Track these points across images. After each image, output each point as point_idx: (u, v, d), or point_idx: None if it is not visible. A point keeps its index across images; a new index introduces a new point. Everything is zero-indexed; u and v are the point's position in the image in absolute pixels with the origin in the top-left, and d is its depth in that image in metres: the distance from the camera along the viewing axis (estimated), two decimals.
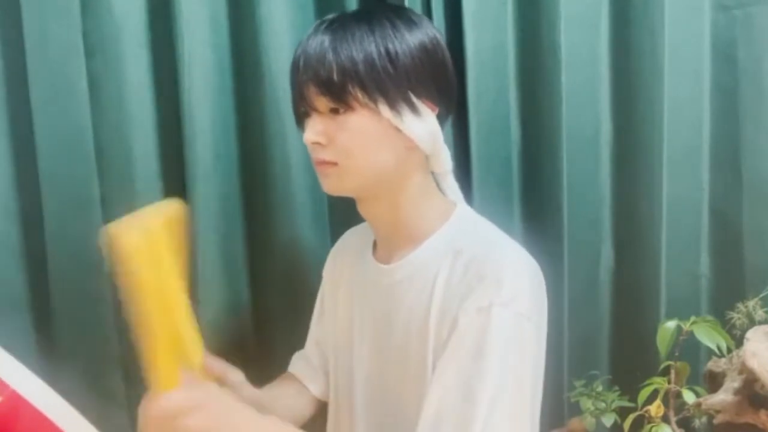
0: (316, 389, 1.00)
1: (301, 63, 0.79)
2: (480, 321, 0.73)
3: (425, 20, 0.83)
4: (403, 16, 0.81)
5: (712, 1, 1.14)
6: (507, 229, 0.86)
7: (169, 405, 0.64)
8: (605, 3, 1.14)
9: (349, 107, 0.78)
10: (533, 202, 1.18)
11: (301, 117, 0.84)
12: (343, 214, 1.13)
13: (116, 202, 1.07)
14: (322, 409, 1.01)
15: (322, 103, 0.79)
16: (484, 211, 0.91)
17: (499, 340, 0.73)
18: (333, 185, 0.82)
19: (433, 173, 0.88)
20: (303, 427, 0.97)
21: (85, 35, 1.02)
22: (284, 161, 1.10)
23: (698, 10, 1.14)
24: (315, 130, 0.80)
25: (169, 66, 1.06)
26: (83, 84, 1.02)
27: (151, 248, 0.64)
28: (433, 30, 0.83)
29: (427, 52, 0.80)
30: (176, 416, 0.64)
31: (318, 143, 0.80)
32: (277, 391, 0.98)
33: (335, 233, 1.09)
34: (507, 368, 0.73)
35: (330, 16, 0.82)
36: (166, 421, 0.64)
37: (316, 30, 0.80)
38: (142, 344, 0.65)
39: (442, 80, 0.83)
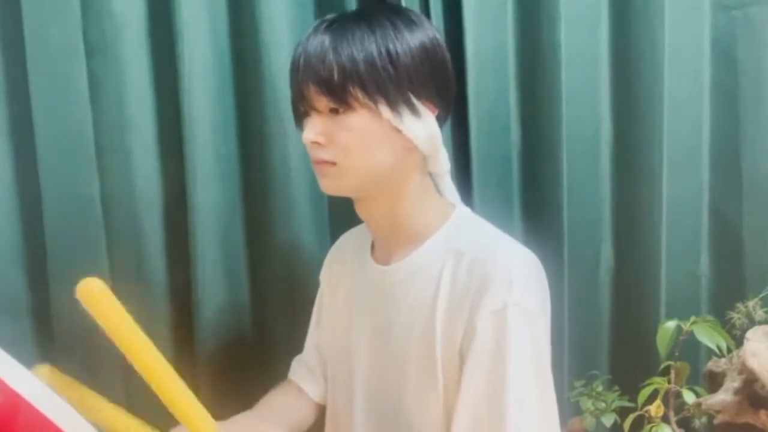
0: (316, 394, 1.00)
1: (301, 62, 0.79)
2: (496, 324, 0.74)
3: (425, 20, 0.83)
4: (403, 16, 0.81)
5: (712, 1, 1.14)
6: (507, 229, 0.86)
7: None
8: (605, 3, 1.15)
9: (349, 107, 0.78)
10: (533, 202, 1.18)
11: (300, 116, 0.84)
12: (343, 214, 1.13)
13: (116, 202, 1.07)
14: (320, 413, 1.01)
15: (321, 102, 0.79)
16: (484, 211, 0.91)
17: (517, 342, 0.74)
18: (331, 185, 0.82)
19: (430, 174, 0.88)
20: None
21: (85, 35, 1.02)
22: (284, 161, 1.10)
23: (698, 10, 1.14)
24: (314, 129, 0.80)
25: (169, 66, 1.06)
26: (83, 84, 1.02)
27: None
28: (432, 30, 0.83)
29: (427, 52, 0.80)
30: None
31: (317, 143, 0.80)
32: (277, 400, 0.98)
33: (335, 233, 1.09)
34: (527, 368, 0.74)
35: (330, 16, 0.82)
36: None
37: (316, 30, 0.80)
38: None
39: (441, 81, 0.83)
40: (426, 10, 1.10)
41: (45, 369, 0.72)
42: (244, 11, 1.08)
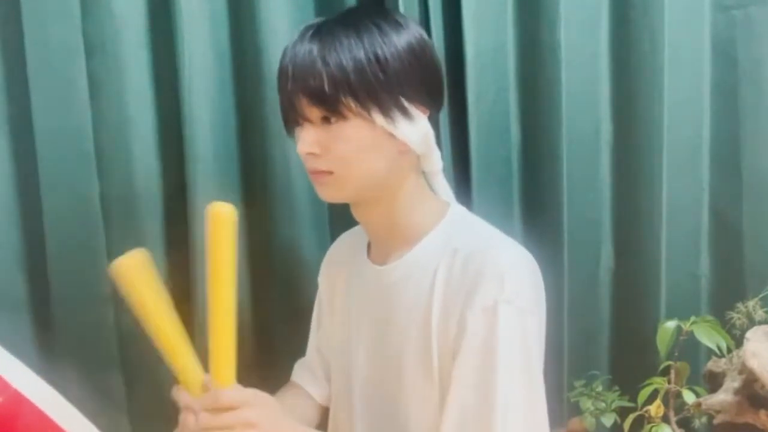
0: (319, 396, 1.00)
1: (290, 72, 0.79)
2: (487, 320, 0.75)
3: (410, 21, 0.83)
4: (388, 19, 0.80)
5: (712, 1, 1.14)
6: (507, 229, 0.86)
7: (225, 399, 0.69)
8: (605, 3, 1.14)
9: (341, 117, 0.77)
10: (533, 202, 1.18)
11: (290, 124, 0.83)
12: (343, 214, 1.12)
13: (116, 202, 1.07)
14: (323, 415, 1.01)
15: (313, 113, 0.79)
16: (483, 211, 0.91)
17: (507, 338, 0.74)
18: (329, 193, 0.82)
19: (423, 173, 0.88)
20: None
21: (85, 35, 1.02)
22: (284, 161, 1.10)
23: (698, 10, 1.14)
24: (308, 141, 0.79)
25: (169, 66, 1.06)
26: (83, 84, 1.02)
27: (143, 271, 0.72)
28: (419, 30, 0.82)
29: (415, 53, 0.80)
30: (231, 409, 0.69)
31: (312, 154, 0.80)
32: (287, 401, 0.98)
33: (335, 233, 1.09)
34: (516, 364, 0.74)
35: (315, 21, 0.81)
36: (219, 413, 0.69)
37: (303, 37, 0.79)
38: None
39: (431, 81, 0.83)
40: (425, 11, 1.10)
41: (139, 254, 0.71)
42: (244, 11, 1.08)
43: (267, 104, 1.08)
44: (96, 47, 1.03)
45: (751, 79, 1.14)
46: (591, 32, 1.14)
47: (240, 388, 0.72)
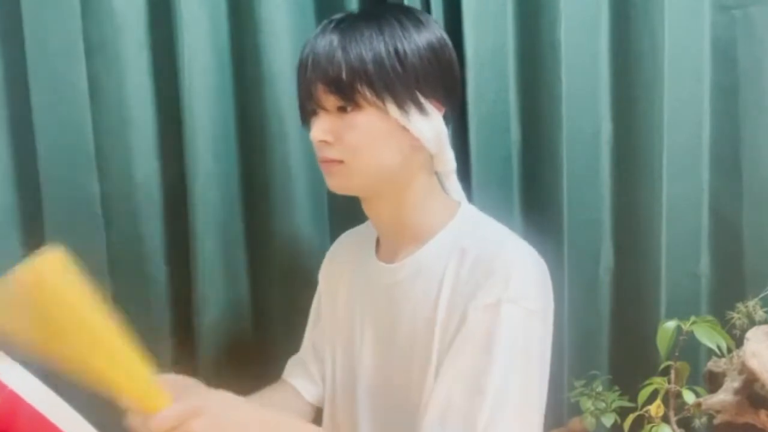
0: (311, 396, 0.99)
1: (310, 62, 0.80)
2: (488, 317, 0.74)
3: (432, 20, 0.84)
4: (411, 16, 0.81)
5: (712, 1, 1.14)
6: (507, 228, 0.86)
7: (165, 422, 0.63)
8: (605, 3, 1.14)
9: (357, 105, 0.78)
10: (533, 202, 1.18)
11: (307, 115, 0.84)
12: (343, 213, 1.13)
13: (116, 202, 1.07)
14: (315, 416, 1.00)
15: (330, 101, 0.79)
16: (483, 211, 0.91)
17: (507, 336, 0.74)
18: (339, 184, 0.82)
19: (436, 173, 0.88)
20: None
21: (85, 35, 1.02)
22: (284, 161, 1.10)
23: (698, 10, 1.14)
24: (322, 128, 0.80)
25: (169, 66, 1.06)
26: (83, 84, 1.03)
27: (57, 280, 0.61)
28: (440, 30, 0.83)
29: (435, 52, 0.81)
30: (177, 428, 0.63)
31: (325, 141, 0.80)
32: (271, 397, 0.97)
33: (335, 233, 1.09)
34: (515, 363, 0.74)
35: (338, 16, 0.82)
36: None
37: (325, 29, 0.80)
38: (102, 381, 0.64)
39: (448, 80, 0.83)
40: (427, 10, 1.10)
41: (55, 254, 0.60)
42: (244, 11, 1.08)
43: (267, 104, 1.08)
44: (96, 47, 1.03)
45: (751, 79, 1.14)
46: (591, 32, 1.14)
47: (177, 401, 0.65)
